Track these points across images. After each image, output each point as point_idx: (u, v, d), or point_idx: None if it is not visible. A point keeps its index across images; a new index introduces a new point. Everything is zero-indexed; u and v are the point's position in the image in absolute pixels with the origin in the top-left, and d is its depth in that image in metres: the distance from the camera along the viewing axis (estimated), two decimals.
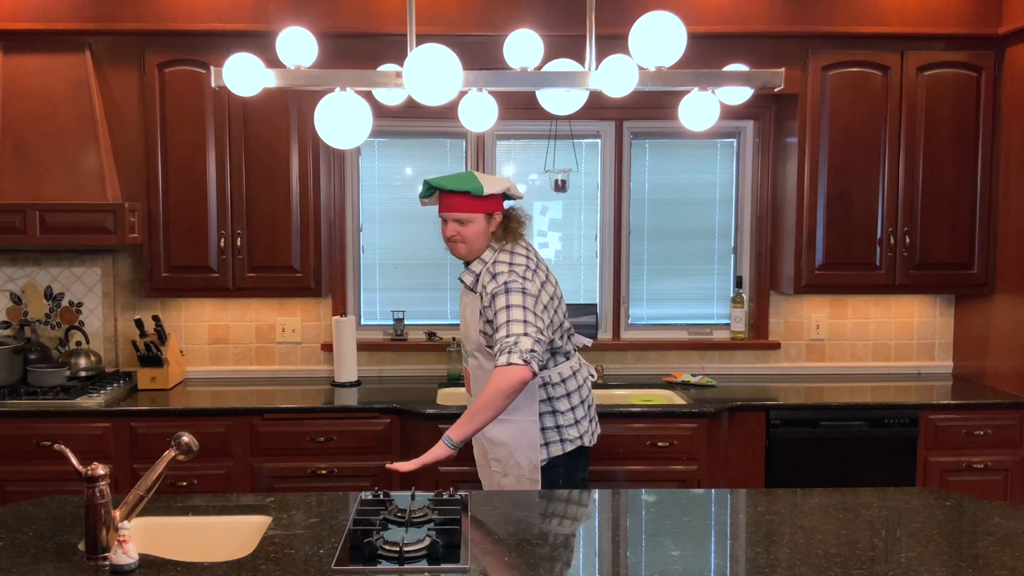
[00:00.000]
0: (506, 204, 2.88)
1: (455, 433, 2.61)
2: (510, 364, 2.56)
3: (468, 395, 2.96)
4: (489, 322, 2.73)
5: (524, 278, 2.73)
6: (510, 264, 2.77)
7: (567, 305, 2.96)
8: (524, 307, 2.67)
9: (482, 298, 2.75)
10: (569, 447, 2.84)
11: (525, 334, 2.61)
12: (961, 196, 3.93)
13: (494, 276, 2.75)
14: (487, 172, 4.20)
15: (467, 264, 2.86)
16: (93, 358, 3.96)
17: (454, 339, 4.08)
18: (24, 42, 3.69)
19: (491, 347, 2.75)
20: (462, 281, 2.86)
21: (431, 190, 2.83)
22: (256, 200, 3.80)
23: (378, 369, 4.17)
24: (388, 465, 2.61)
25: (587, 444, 2.89)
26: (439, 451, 2.60)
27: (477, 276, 2.80)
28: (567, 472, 2.86)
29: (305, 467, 3.56)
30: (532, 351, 2.59)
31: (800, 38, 3.83)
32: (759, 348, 4.28)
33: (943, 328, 4.32)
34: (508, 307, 2.67)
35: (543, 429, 2.82)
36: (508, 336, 2.62)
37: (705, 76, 2.27)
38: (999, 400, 3.75)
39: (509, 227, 2.84)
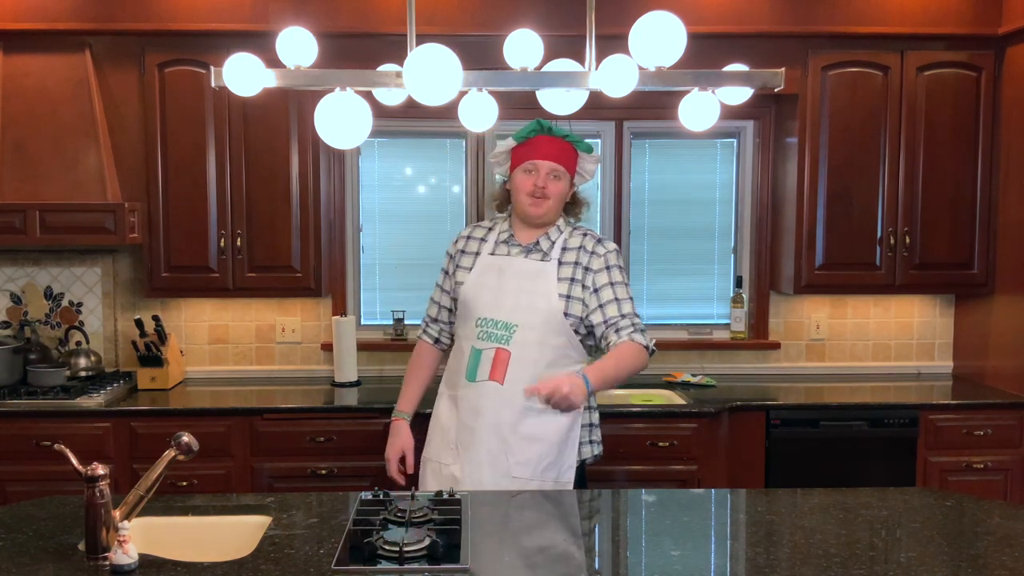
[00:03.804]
0: None
1: (594, 377, 2.44)
2: (645, 347, 2.56)
3: (490, 380, 2.61)
4: (594, 291, 2.62)
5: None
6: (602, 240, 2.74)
7: None
8: (627, 284, 2.68)
9: (581, 264, 2.65)
10: (597, 450, 2.72)
11: (636, 315, 2.63)
12: (961, 196, 3.93)
13: (600, 241, 2.71)
14: (485, 172, 4.20)
15: (505, 230, 2.76)
16: (93, 358, 3.96)
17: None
18: (24, 42, 3.69)
19: (570, 315, 2.60)
20: (525, 246, 2.70)
21: (534, 131, 2.71)
22: (256, 200, 3.80)
23: (378, 369, 4.17)
24: (528, 389, 2.40)
25: (599, 453, 2.74)
26: (579, 392, 2.37)
27: (553, 243, 2.70)
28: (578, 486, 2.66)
29: (305, 467, 3.56)
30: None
31: (800, 38, 3.83)
32: (759, 348, 4.28)
33: (943, 328, 4.32)
34: (625, 283, 2.66)
35: (581, 426, 2.66)
36: (627, 315, 2.60)
37: (705, 76, 2.27)
38: (999, 400, 3.75)
39: (576, 204, 2.82)
